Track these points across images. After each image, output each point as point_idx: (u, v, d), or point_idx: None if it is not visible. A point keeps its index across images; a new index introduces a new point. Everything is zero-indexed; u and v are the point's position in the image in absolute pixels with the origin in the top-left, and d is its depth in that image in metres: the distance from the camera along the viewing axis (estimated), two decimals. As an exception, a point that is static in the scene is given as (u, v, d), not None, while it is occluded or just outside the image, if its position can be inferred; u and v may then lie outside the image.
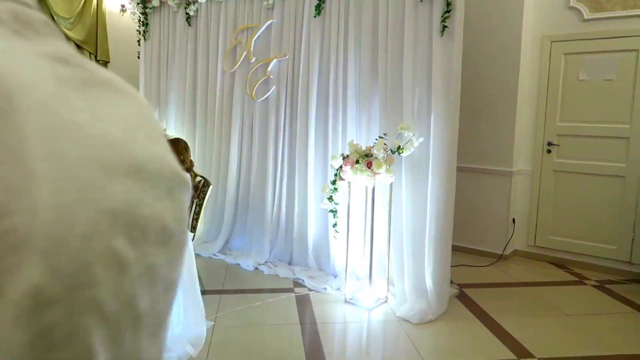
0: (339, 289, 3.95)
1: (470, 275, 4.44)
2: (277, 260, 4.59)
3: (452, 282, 3.90)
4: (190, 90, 5.23)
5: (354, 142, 3.59)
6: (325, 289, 3.96)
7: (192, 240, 3.91)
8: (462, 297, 3.91)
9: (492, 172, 4.84)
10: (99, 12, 7.64)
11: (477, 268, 4.65)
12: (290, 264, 4.52)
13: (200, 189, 3.98)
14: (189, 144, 5.35)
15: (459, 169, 3.73)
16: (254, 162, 4.75)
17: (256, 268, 4.47)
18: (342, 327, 3.47)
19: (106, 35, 7.69)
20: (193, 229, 3.96)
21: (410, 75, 3.59)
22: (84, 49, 7.53)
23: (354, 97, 4.03)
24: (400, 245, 3.72)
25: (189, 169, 3.94)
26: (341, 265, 4.04)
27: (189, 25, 5.12)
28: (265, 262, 4.55)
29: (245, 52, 4.66)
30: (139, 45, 5.78)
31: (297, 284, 4.14)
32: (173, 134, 5.38)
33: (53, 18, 7.15)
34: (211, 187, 3.99)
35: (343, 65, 4.06)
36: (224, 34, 4.84)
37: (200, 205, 3.93)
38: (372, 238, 3.70)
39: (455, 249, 4.21)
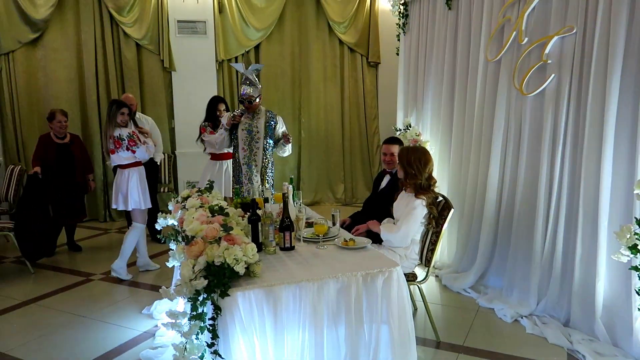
0: (643, 386, 2.52)
1: None
2: (547, 315, 3.32)
3: None
4: (447, 87, 4.36)
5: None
6: (619, 381, 2.59)
7: (425, 277, 3.07)
8: None
9: None
10: (372, 13, 7.44)
11: None
12: (566, 324, 3.20)
13: (439, 214, 3.09)
14: (444, 153, 4.51)
15: None
16: (520, 178, 3.57)
17: (516, 320, 3.34)
18: None
19: (377, 36, 7.44)
20: (427, 262, 3.10)
21: None
22: (356, 52, 7.45)
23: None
24: None
25: (423, 186, 3.05)
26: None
27: (449, 8, 4.25)
28: (530, 315, 3.35)
29: (514, 33, 3.52)
30: (398, 40, 5.21)
31: (574, 358, 2.85)
32: (428, 139, 4.62)
33: (329, 24, 7.25)
34: (452, 210, 3.05)
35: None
36: (489, 12, 3.79)
37: (437, 234, 3.05)
38: None
39: None
